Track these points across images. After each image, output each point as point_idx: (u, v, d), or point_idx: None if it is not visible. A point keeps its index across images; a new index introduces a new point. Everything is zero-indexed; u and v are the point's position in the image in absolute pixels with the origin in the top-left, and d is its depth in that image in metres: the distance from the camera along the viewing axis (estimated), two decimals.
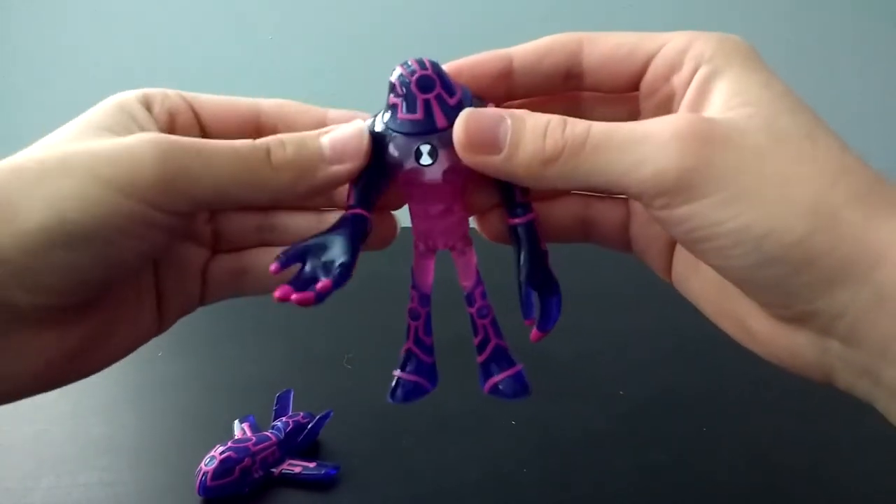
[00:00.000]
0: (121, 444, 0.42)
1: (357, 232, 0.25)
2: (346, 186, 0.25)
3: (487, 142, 0.22)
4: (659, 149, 0.20)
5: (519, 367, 0.29)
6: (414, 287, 0.29)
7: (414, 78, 0.24)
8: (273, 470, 0.37)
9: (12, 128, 1.06)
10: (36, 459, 0.40)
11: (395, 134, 0.24)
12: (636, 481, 0.38)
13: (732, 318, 0.23)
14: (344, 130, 0.24)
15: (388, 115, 0.25)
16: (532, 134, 0.21)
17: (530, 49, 0.25)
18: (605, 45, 0.24)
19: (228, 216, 0.28)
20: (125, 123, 0.24)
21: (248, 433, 0.39)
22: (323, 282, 0.23)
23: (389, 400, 0.29)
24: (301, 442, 0.39)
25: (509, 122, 0.22)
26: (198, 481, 0.35)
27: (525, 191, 0.26)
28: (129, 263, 0.22)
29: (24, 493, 0.37)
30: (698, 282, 0.24)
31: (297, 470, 0.37)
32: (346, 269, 0.24)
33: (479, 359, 0.29)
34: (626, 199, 0.27)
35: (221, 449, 0.36)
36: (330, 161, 0.23)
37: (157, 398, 0.47)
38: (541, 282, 0.26)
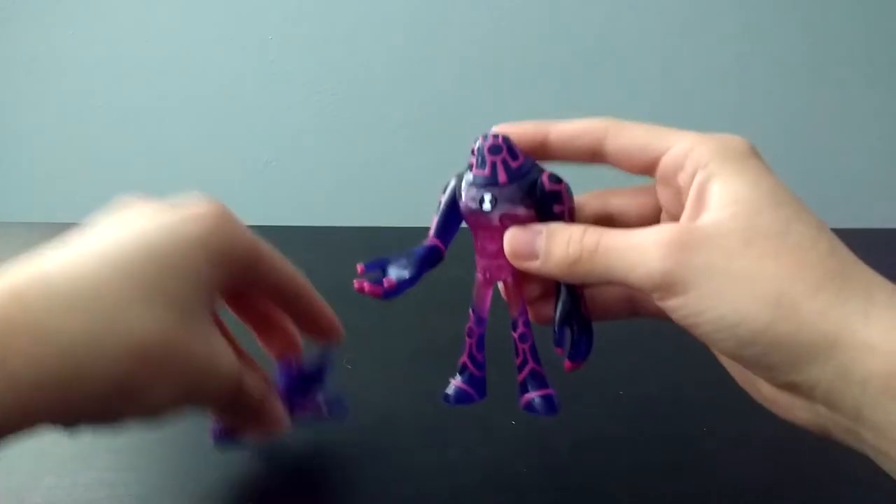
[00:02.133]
0: (121, 444, 0.42)
1: (428, 257, 0.32)
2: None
3: (527, 253, 0.29)
4: (646, 254, 0.25)
5: (552, 390, 0.35)
6: (473, 310, 0.34)
7: (487, 144, 0.30)
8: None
9: (12, 128, 1.06)
10: (36, 459, 0.40)
11: (467, 185, 0.31)
12: (636, 481, 0.38)
13: (749, 383, 0.28)
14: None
15: (467, 172, 0.31)
16: (560, 244, 0.28)
17: (566, 129, 0.30)
18: (625, 138, 0.29)
19: None
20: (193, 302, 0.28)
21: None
22: (389, 280, 0.31)
23: (442, 401, 0.35)
24: (306, 390, 0.39)
25: (544, 235, 0.28)
26: (211, 433, 0.37)
27: None
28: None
29: (24, 493, 0.37)
30: (725, 359, 0.29)
31: (307, 413, 0.38)
32: (409, 281, 0.31)
33: (519, 378, 0.35)
34: None
35: None
36: None
37: None
38: (575, 320, 0.32)
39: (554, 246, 0.28)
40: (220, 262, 0.29)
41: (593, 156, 0.30)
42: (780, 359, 0.23)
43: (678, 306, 0.25)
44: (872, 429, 0.22)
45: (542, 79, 1.02)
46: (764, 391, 0.26)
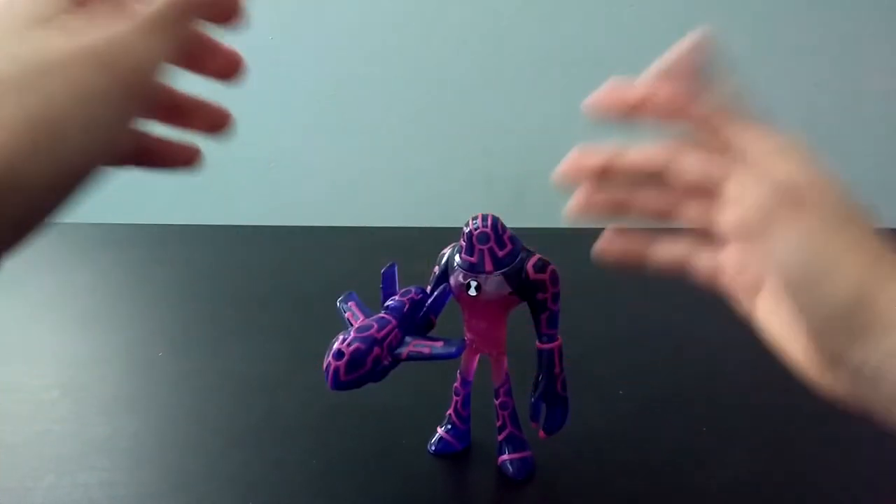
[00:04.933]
0: (121, 445, 0.42)
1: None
2: None
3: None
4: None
5: (528, 452, 0.38)
6: (460, 373, 0.38)
7: (476, 232, 0.32)
8: (399, 352, 0.34)
9: None
10: (37, 459, 0.40)
11: (457, 267, 0.33)
12: (636, 481, 0.38)
13: (797, 353, 0.28)
14: None
15: (457, 254, 0.33)
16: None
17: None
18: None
19: None
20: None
21: (359, 314, 0.36)
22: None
23: (429, 448, 0.40)
24: (420, 320, 0.36)
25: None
26: (329, 377, 0.32)
27: (551, 323, 0.33)
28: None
29: (25, 493, 0.37)
30: (777, 324, 0.29)
31: (427, 351, 0.34)
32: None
33: (498, 437, 0.38)
34: (719, 251, 0.30)
35: (348, 340, 0.33)
36: None
37: (157, 398, 0.47)
38: (550, 397, 0.34)
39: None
40: None
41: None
42: (845, 331, 0.25)
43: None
44: None
45: (543, 79, 1.03)
46: (810, 367, 0.27)
